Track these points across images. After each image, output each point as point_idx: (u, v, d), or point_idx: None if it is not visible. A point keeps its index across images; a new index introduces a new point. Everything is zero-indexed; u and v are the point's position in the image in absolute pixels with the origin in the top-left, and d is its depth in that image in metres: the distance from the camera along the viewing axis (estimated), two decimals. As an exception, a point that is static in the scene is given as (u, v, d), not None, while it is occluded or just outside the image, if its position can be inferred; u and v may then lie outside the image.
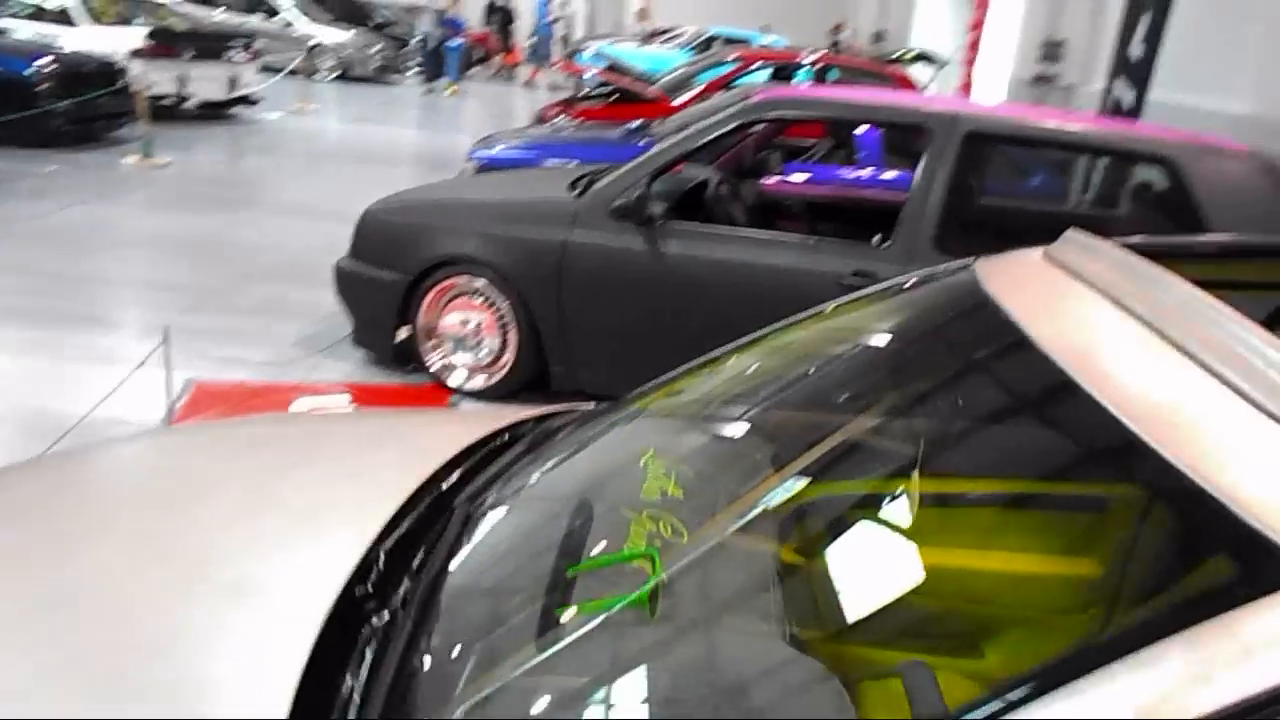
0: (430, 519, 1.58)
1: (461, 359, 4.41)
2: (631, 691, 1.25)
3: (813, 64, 9.83)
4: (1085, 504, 1.43)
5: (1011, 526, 1.54)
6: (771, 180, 5.34)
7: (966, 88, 9.71)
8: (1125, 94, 5.58)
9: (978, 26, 9.69)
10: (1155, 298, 1.31)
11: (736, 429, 1.84)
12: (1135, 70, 5.52)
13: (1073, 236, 1.67)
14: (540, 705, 1.25)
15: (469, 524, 1.56)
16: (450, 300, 4.36)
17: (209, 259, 6.30)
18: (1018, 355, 1.42)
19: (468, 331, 4.36)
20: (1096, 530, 1.40)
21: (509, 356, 4.33)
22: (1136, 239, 1.64)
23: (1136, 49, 5.50)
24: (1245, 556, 0.92)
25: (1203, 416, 1.09)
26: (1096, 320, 1.38)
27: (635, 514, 1.49)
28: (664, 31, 23.78)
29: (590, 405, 2.13)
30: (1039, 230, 4.67)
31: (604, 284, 4.09)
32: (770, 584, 1.41)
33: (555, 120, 9.05)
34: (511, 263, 4.19)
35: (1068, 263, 1.58)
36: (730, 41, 18.95)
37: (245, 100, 12.56)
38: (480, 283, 4.25)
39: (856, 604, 1.32)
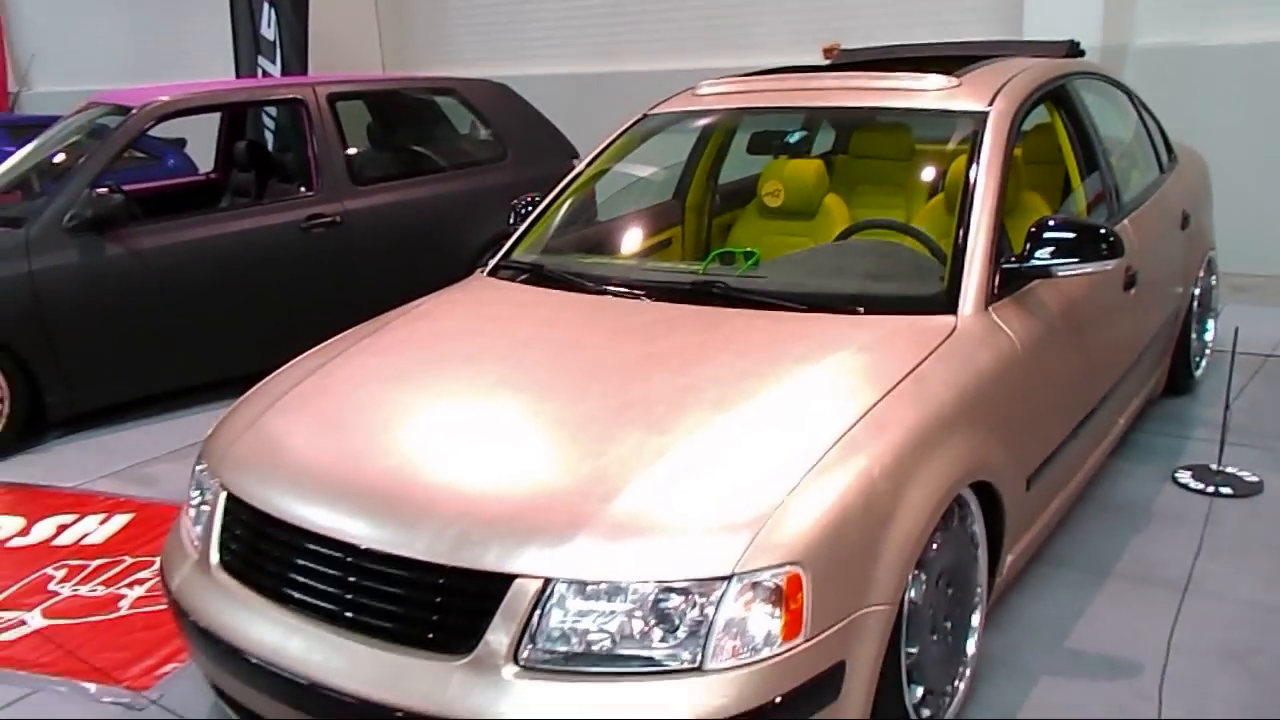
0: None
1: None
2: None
3: None
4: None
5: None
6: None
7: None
8: (269, 67, 7.01)
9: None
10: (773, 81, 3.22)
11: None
12: (273, 50, 6.97)
13: (704, 82, 3.37)
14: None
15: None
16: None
17: None
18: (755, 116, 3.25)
19: (-64, 403, 3.97)
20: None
21: (-1, 408, 4.10)
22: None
23: (269, 34, 6.94)
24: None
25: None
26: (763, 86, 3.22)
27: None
28: None
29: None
30: (410, 159, 6.33)
31: (93, 299, 4.20)
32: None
33: None
34: (-27, 313, 3.98)
35: (715, 91, 3.31)
36: None
37: None
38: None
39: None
